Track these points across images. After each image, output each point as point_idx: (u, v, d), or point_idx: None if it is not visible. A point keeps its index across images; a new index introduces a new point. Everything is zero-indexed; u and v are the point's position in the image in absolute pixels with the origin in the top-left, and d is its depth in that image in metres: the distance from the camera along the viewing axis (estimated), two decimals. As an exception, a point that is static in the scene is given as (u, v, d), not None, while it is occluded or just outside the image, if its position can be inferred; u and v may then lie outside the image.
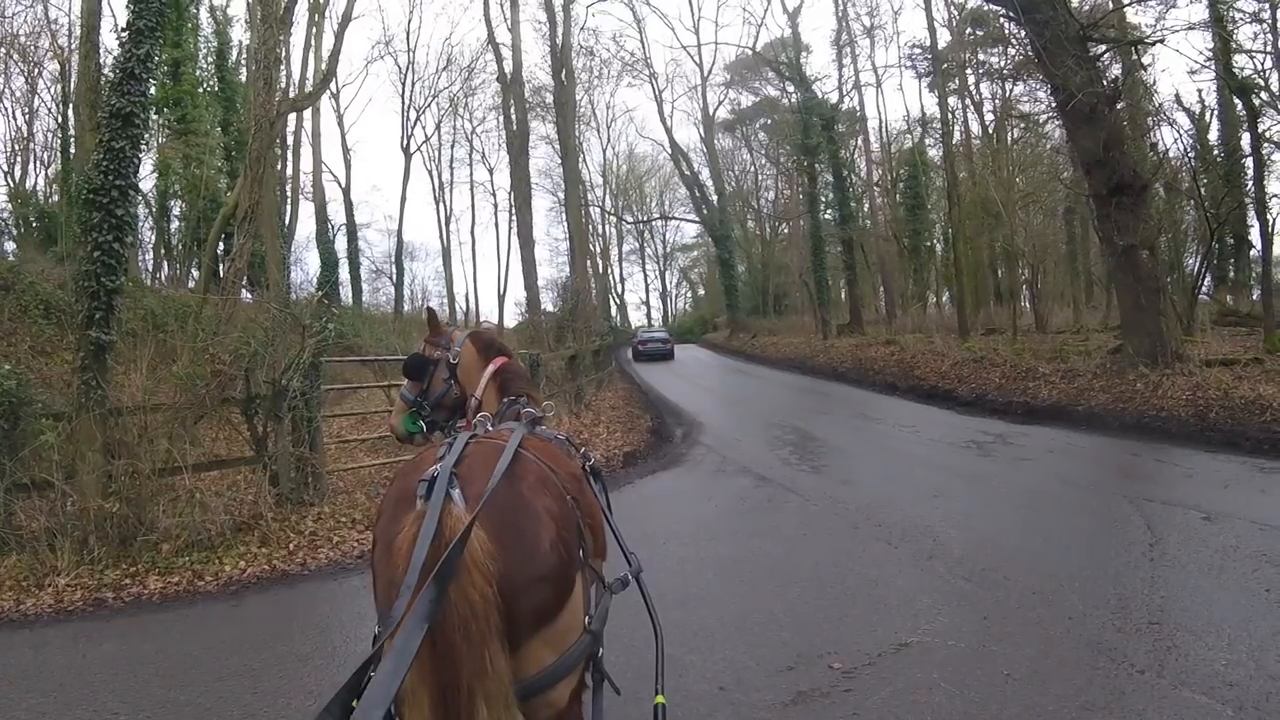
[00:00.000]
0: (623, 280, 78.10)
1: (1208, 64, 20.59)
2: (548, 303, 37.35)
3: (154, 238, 31.07)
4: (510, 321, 44.28)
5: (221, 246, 25.05)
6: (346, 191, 46.25)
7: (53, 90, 28.91)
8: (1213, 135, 25.63)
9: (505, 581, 1.76)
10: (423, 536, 1.74)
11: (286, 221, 34.64)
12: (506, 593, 1.77)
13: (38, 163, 30.06)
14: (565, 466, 2.45)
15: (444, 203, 55.91)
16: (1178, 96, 32.26)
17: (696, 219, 59.49)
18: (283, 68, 24.24)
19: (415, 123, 51.55)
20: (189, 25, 29.30)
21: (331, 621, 6.40)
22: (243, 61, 31.08)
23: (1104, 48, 16.75)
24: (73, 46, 25.01)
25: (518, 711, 1.73)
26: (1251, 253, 26.05)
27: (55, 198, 27.17)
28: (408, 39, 69.22)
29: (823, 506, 8.76)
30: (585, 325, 25.39)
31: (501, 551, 1.80)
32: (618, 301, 74.55)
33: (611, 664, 2.32)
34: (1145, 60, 21.88)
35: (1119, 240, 14.99)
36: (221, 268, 24.33)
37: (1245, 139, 20.29)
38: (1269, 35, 19.31)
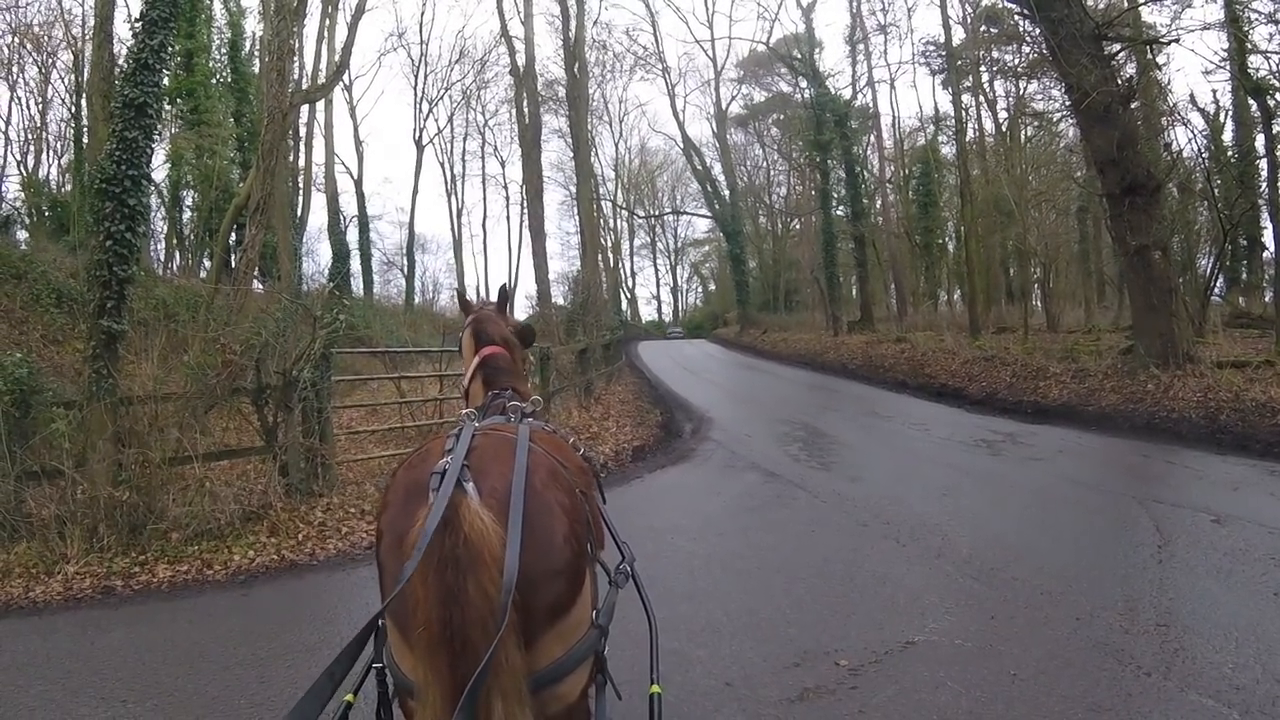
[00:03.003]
0: (634, 274, 78.35)
1: (1223, 64, 20.46)
2: (558, 296, 37.45)
3: (166, 228, 31.24)
4: (521, 315, 44.34)
5: (233, 237, 25.18)
6: (358, 183, 46.43)
7: (66, 80, 29.06)
8: (1227, 136, 25.41)
9: (521, 575, 1.75)
10: (425, 531, 1.74)
11: (298, 213, 34.74)
12: (522, 587, 1.75)
13: (51, 152, 30.23)
14: (573, 460, 2.44)
15: (455, 195, 56.26)
16: (1192, 96, 32.10)
17: (708, 214, 59.68)
18: (296, 59, 24.35)
19: (428, 115, 51.83)
20: (202, 16, 29.38)
21: (339, 612, 6.42)
22: (256, 53, 31.18)
23: (1119, 47, 16.65)
24: (86, 37, 25.14)
25: (530, 707, 1.73)
26: (1264, 254, 25.82)
27: (68, 187, 27.32)
28: (420, 31, 69.55)
29: (831, 503, 8.75)
30: (596, 319, 25.46)
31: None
32: (628, 296, 74.75)
33: (615, 655, 2.31)
34: (1160, 60, 21.74)
35: (1131, 240, 14.91)
36: (233, 258, 24.45)
37: (1259, 140, 20.20)
38: (1285, 36, 19.16)
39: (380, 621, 2.03)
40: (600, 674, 2.17)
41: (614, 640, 2.26)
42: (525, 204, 42.59)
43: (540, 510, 1.94)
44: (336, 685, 1.71)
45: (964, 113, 32.61)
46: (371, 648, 2.12)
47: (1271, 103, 18.25)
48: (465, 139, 56.78)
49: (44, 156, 29.94)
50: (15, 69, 27.93)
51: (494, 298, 3.74)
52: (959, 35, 32.76)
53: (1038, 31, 17.42)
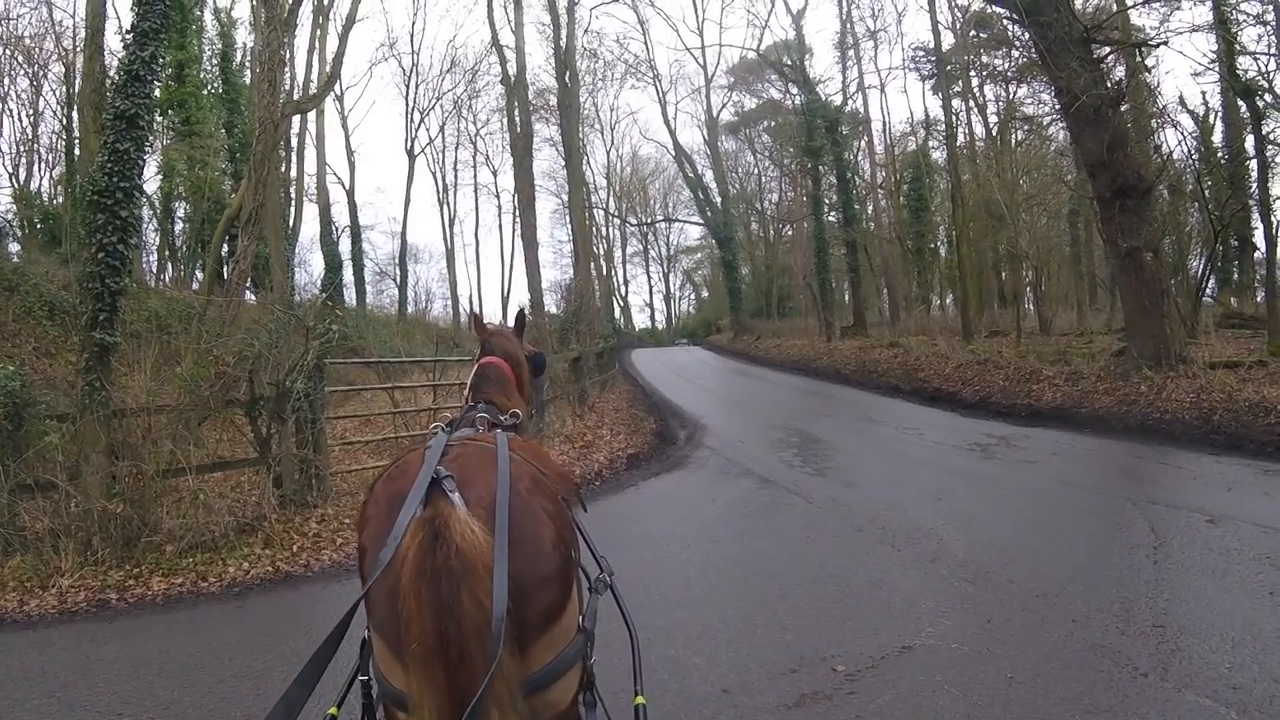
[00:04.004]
0: (626, 282, 78.28)
1: (1212, 66, 20.55)
2: (551, 305, 37.39)
3: (158, 239, 31.14)
4: (513, 322, 44.25)
5: (225, 248, 25.10)
6: (350, 194, 46.29)
7: (57, 92, 28.88)
8: (1217, 137, 25.56)
9: (514, 584, 1.75)
10: (399, 524, 1.77)
11: (290, 223, 34.64)
12: (516, 595, 1.75)
13: (42, 165, 30.01)
14: (553, 467, 2.44)
15: (448, 205, 56.11)
16: (1181, 99, 32.07)
17: (700, 221, 59.75)
18: (287, 70, 24.26)
19: (419, 125, 51.73)
20: (193, 27, 29.31)
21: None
22: (247, 64, 31.09)
23: (1108, 50, 16.71)
24: (77, 49, 25.00)
25: (525, 716, 1.72)
26: (1255, 255, 25.95)
27: (60, 200, 27.15)
28: (412, 41, 69.21)
29: (826, 509, 8.75)
30: (589, 327, 25.40)
31: (509, 554, 1.79)
32: (621, 304, 74.75)
33: (607, 664, 2.30)
34: (1149, 62, 21.89)
35: (1123, 242, 14.96)
36: (225, 269, 24.36)
37: (1249, 141, 20.24)
38: (1273, 37, 19.25)
39: (365, 634, 2.04)
40: (590, 691, 2.16)
41: (609, 647, 2.26)
42: (517, 213, 42.69)
43: (528, 518, 1.94)
44: (309, 693, 1.72)
45: (954, 117, 32.83)
46: (358, 660, 2.13)
47: (1261, 103, 18.32)
48: (457, 148, 56.81)
49: (36, 169, 29.75)
50: (6, 81, 27.78)
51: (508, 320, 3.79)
52: (948, 40, 32.83)
53: (1027, 36, 17.49)
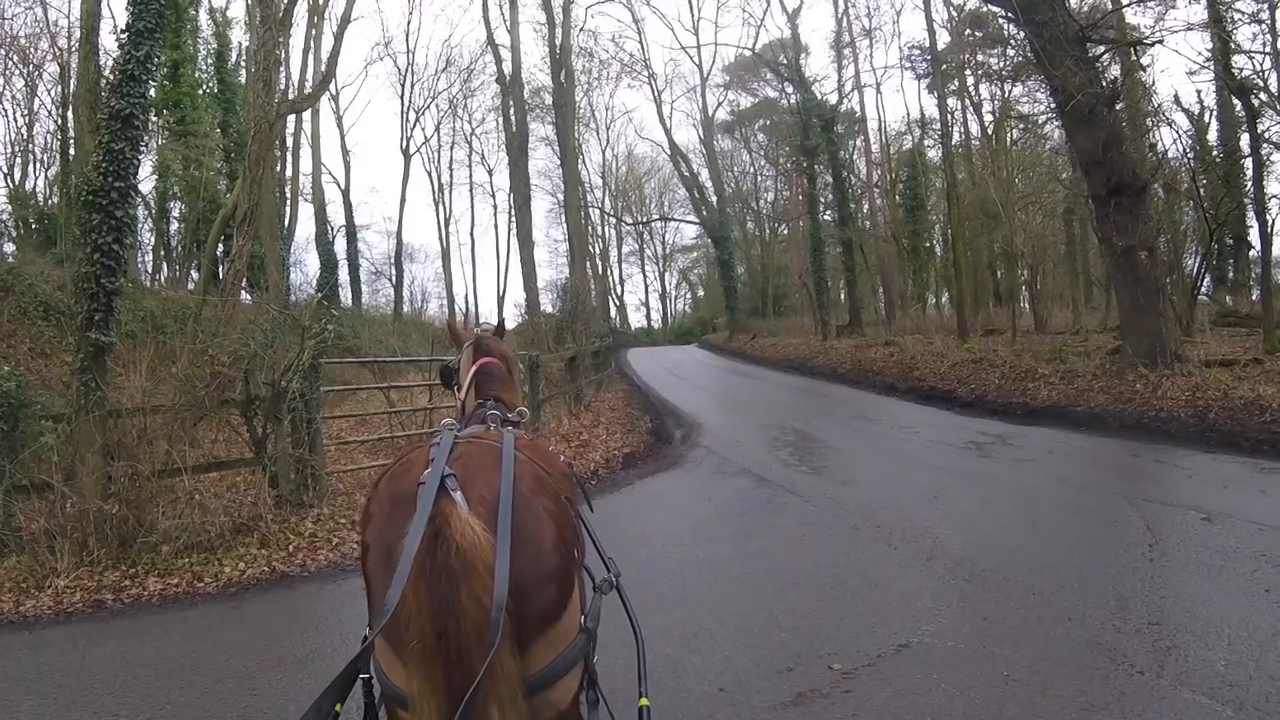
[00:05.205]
0: (622, 282, 78.08)
1: (1207, 65, 20.56)
2: (547, 304, 37.45)
3: (153, 239, 31.09)
4: (510, 323, 44.16)
5: (221, 248, 25.09)
6: (346, 193, 46.14)
7: (52, 92, 28.80)
8: (1212, 136, 25.61)
9: (514, 583, 1.75)
10: (406, 548, 1.75)
11: (286, 223, 34.63)
12: (515, 594, 1.75)
13: (37, 165, 29.95)
14: (556, 467, 2.44)
15: (443, 204, 55.98)
16: (1177, 97, 32.34)
17: (696, 220, 59.55)
18: (282, 69, 24.31)
19: (414, 124, 51.55)
20: (188, 27, 29.30)
21: (331, 623, 6.39)
22: (242, 63, 31.09)
23: (1103, 48, 16.74)
24: (72, 48, 24.93)
25: (525, 714, 1.73)
26: (1251, 253, 26.03)
27: (55, 199, 27.13)
28: (407, 40, 69.35)
29: (822, 507, 8.75)
30: (585, 327, 25.43)
31: (510, 553, 1.79)
32: (617, 303, 74.59)
33: (608, 664, 2.30)
34: (1144, 61, 21.87)
35: (1118, 241, 14.97)
36: (221, 269, 24.38)
37: (1244, 139, 20.32)
38: (1268, 36, 19.30)
39: (367, 632, 2.03)
40: (592, 689, 2.17)
41: (607, 648, 2.26)
42: (513, 212, 42.60)
43: (529, 518, 1.94)
44: (326, 716, 1.71)
45: (949, 116, 32.74)
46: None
47: (1256, 102, 18.35)
48: (452, 147, 56.57)
49: (30, 169, 29.69)
50: (1, 81, 27.79)
51: (483, 324, 3.82)
52: (944, 39, 32.83)
53: (1022, 35, 17.52)
